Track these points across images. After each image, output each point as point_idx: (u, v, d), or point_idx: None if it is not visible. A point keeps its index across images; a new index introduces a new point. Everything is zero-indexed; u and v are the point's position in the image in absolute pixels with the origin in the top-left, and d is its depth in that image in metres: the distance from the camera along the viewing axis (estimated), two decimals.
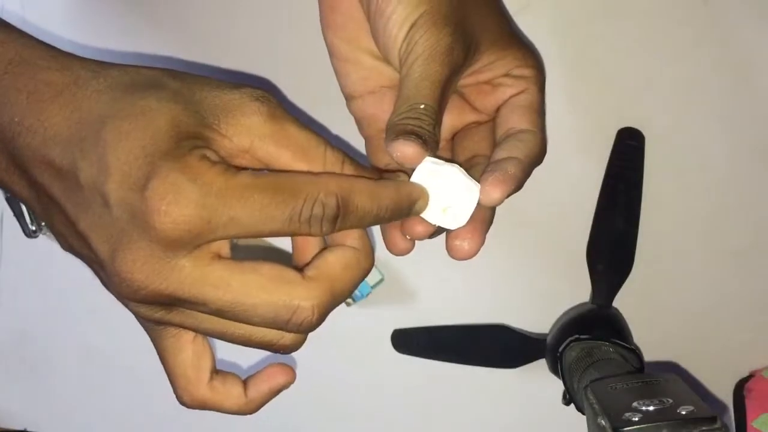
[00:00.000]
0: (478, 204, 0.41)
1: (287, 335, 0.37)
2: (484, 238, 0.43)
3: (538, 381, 0.59)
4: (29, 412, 0.65)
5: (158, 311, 0.36)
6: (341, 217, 0.35)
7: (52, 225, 0.37)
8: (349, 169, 0.37)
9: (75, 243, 0.36)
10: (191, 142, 0.33)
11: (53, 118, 0.34)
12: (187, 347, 0.39)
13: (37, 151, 0.34)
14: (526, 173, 0.43)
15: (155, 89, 0.34)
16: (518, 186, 0.42)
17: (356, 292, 0.61)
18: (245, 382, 0.41)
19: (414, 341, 0.62)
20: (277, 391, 0.41)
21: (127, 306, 0.36)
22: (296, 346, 0.38)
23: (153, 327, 0.38)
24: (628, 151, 0.58)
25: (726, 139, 0.58)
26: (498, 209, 0.43)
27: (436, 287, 0.61)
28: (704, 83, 0.58)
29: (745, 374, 0.59)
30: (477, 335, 0.61)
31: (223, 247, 0.35)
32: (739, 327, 0.59)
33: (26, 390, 0.64)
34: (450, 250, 0.43)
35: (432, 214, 0.41)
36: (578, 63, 0.58)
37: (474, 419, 0.63)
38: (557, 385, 0.55)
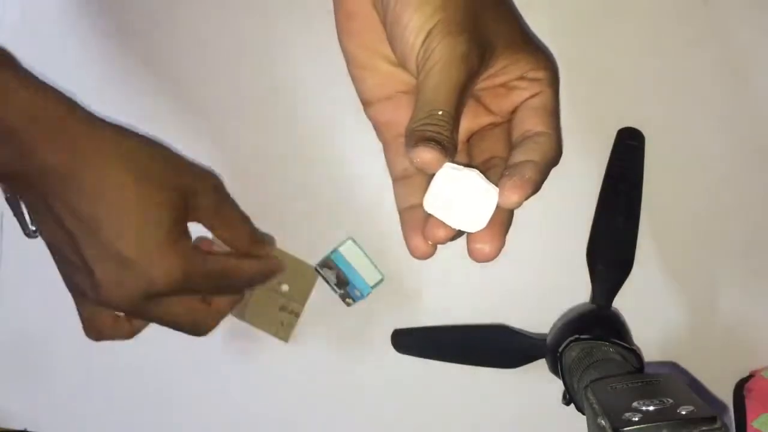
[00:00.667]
0: (497, 207, 0.42)
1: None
2: (504, 240, 0.44)
3: (538, 381, 0.59)
4: (29, 412, 0.65)
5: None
6: (225, 283, 0.56)
7: (50, 235, 0.52)
8: (262, 245, 0.59)
9: (70, 259, 0.51)
10: (180, 227, 0.52)
11: (89, 182, 0.48)
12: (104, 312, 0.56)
13: (69, 202, 0.48)
14: (543, 176, 0.43)
15: (166, 177, 0.51)
16: (536, 189, 0.42)
17: (356, 292, 0.61)
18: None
19: (414, 341, 0.62)
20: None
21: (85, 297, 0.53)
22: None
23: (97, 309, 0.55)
24: (628, 151, 0.58)
25: (726, 139, 0.58)
26: None
27: (436, 287, 0.61)
28: (704, 83, 0.58)
29: (745, 374, 0.59)
30: (477, 335, 0.61)
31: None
32: (739, 327, 0.59)
33: (26, 390, 0.64)
34: (471, 253, 0.44)
35: (452, 218, 0.42)
36: (578, 63, 0.58)
37: (474, 419, 0.63)
38: (557, 385, 0.55)
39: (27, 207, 0.51)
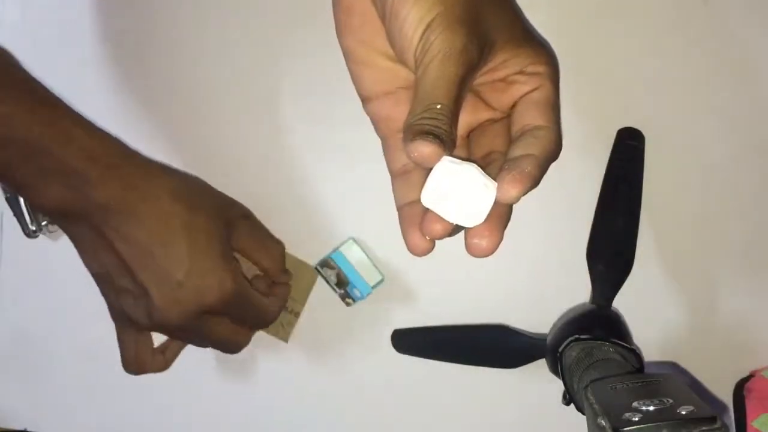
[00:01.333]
0: (495, 202, 0.41)
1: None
2: (502, 235, 0.43)
3: (538, 381, 0.59)
4: (29, 412, 0.65)
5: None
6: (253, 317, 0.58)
7: (93, 256, 0.54)
8: (282, 259, 0.61)
9: (123, 282, 0.54)
10: (227, 249, 0.56)
11: (144, 213, 0.52)
12: (143, 339, 0.59)
13: (124, 231, 0.52)
14: (543, 170, 0.43)
15: (207, 206, 0.55)
16: (535, 183, 0.42)
17: (356, 292, 0.61)
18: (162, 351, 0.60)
19: (414, 341, 0.62)
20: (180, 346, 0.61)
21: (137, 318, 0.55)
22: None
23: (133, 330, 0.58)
24: (628, 151, 0.58)
25: (726, 138, 0.58)
26: None
27: (436, 287, 0.61)
28: (704, 83, 0.58)
29: (745, 374, 0.59)
30: (477, 335, 0.61)
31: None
32: (739, 327, 0.59)
33: (26, 390, 0.64)
34: (468, 248, 0.43)
35: (450, 213, 0.41)
36: (578, 63, 0.58)
37: (474, 419, 0.63)
38: (557, 385, 0.55)
39: (72, 239, 0.54)
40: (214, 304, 0.53)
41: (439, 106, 0.41)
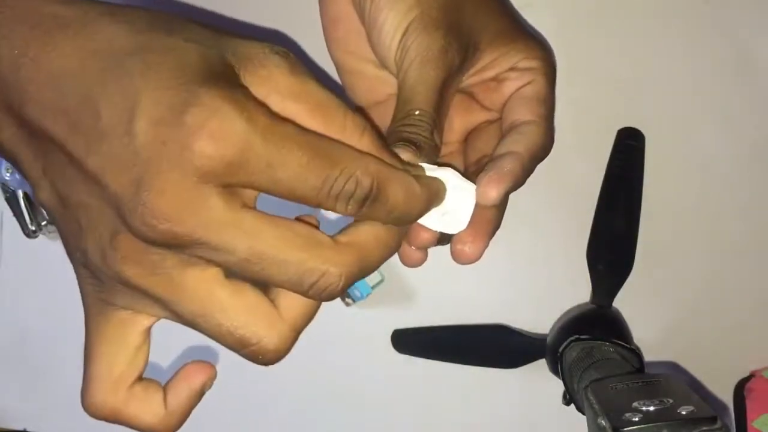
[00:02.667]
0: (478, 205, 0.40)
1: (272, 336, 0.34)
2: (488, 241, 0.41)
3: (538, 381, 0.59)
4: (29, 412, 0.65)
5: (144, 269, 0.32)
6: (370, 202, 0.33)
7: (43, 175, 0.33)
8: (368, 139, 0.34)
9: (76, 188, 0.32)
10: (227, 79, 0.31)
11: (64, 48, 0.31)
12: (131, 338, 0.35)
13: (42, 86, 0.31)
14: (526, 168, 0.42)
15: (179, 30, 0.32)
16: (516, 182, 0.41)
17: (356, 292, 0.61)
18: (164, 390, 0.36)
19: (414, 341, 0.62)
20: (198, 394, 0.36)
21: (93, 265, 0.33)
22: (279, 354, 0.35)
23: (101, 304, 0.34)
24: (628, 151, 0.58)
25: (726, 138, 0.58)
26: None
27: (436, 287, 0.61)
28: (704, 83, 0.58)
29: (746, 374, 0.59)
30: (477, 335, 0.61)
31: (251, 200, 0.33)
32: (739, 327, 0.59)
33: (26, 390, 0.64)
34: (453, 255, 0.42)
35: (432, 221, 0.40)
36: (578, 62, 0.58)
37: (474, 419, 0.63)
38: (557, 385, 0.55)
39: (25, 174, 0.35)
40: (217, 166, 0.30)
41: (417, 113, 0.40)
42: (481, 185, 0.40)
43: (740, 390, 0.58)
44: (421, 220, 0.39)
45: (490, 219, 0.41)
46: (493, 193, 0.40)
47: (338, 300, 0.61)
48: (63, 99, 0.31)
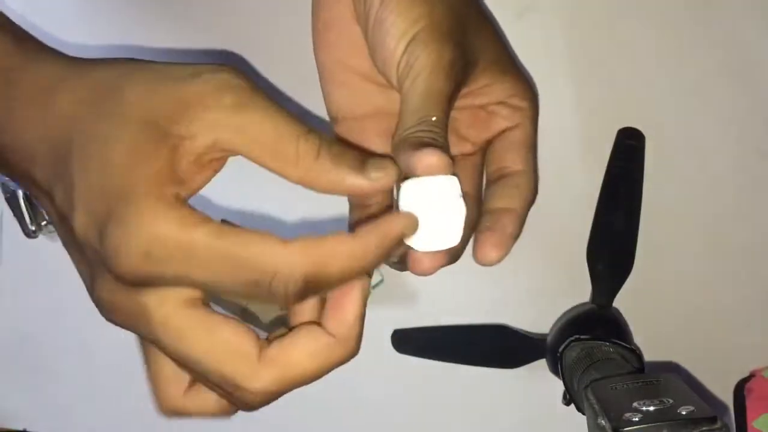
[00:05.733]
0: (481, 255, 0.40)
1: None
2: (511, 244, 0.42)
3: (538, 381, 0.59)
4: (29, 412, 0.64)
5: None
6: (312, 291, 0.33)
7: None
8: (325, 160, 0.34)
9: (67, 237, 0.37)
10: (151, 170, 0.32)
11: (31, 133, 0.35)
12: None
13: (19, 167, 0.35)
14: (523, 223, 0.42)
15: (115, 106, 0.34)
16: (516, 241, 0.42)
17: None
18: None
19: (414, 341, 0.62)
20: None
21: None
22: (251, 407, 0.38)
23: None
24: (628, 151, 0.58)
25: (726, 139, 0.58)
26: None
27: (436, 287, 0.61)
28: (705, 83, 0.58)
29: (746, 374, 0.58)
30: (477, 335, 0.61)
31: (197, 293, 0.34)
32: (739, 327, 0.59)
33: (26, 390, 0.64)
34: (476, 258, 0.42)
35: (424, 241, 0.38)
36: (579, 63, 0.58)
37: (474, 419, 0.63)
38: (557, 385, 0.55)
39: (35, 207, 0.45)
40: (136, 280, 0.32)
41: (434, 119, 0.39)
42: (486, 246, 0.41)
43: (740, 390, 0.58)
44: (413, 245, 0.38)
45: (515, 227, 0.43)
46: (496, 256, 0.41)
47: None
48: (36, 183, 0.35)
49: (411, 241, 0.37)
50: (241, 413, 0.42)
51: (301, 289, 0.33)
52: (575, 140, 0.57)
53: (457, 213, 0.37)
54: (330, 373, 0.62)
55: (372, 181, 0.35)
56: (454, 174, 0.37)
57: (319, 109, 0.50)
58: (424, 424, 0.63)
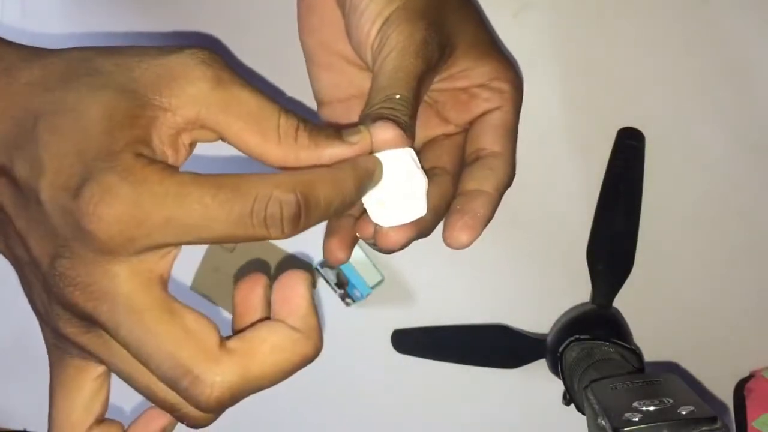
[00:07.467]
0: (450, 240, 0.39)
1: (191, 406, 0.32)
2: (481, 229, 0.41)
3: (538, 381, 0.59)
4: (29, 412, 0.64)
5: (77, 328, 0.33)
6: (305, 214, 0.31)
7: None
8: (303, 136, 0.33)
9: (11, 243, 0.34)
10: (128, 134, 0.31)
11: None
12: (86, 385, 0.36)
13: None
14: (496, 206, 0.42)
15: (88, 76, 0.32)
16: (487, 223, 0.41)
17: (356, 292, 0.61)
18: None
19: (414, 341, 0.62)
20: None
21: (44, 318, 0.35)
22: (202, 422, 0.34)
23: (59, 351, 0.36)
24: (628, 151, 0.58)
25: (726, 138, 0.58)
26: (498, 209, 0.43)
27: (436, 287, 0.61)
28: (704, 83, 0.58)
29: (746, 374, 0.59)
30: (477, 335, 0.61)
31: (166, 272, 0.32)
32: (739, 327, 0.59)
33: (26, 390, 0.64)
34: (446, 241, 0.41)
35: (389, 214, 0.37)
36: (578, 63, 0.58)
37: (474, 419, 0.63)
38: (557, 385, 0.55)
39: None
40: (116, 245, 0.30)
41: (398, 96, 0.38)
42: (455, 229, 0.40)
43: (740, 390, 0.58)
44: (377, 219, 0.38)
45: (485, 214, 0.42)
46: (465, 239, 0.40)
47: (338, 300, 0.61)
48: None
49: (377, 218, 0.37)
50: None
51: (296, 213, 0.31)
52: (575, 140, 0.57)
53: (418, 184, 0.37)
54: (329, 373, 0.63)
55: (352, 144, 0.34)
56: (412, 148, 0.37)
57: (301, 95, 0.49)
58: (424, 424, 0.63)
